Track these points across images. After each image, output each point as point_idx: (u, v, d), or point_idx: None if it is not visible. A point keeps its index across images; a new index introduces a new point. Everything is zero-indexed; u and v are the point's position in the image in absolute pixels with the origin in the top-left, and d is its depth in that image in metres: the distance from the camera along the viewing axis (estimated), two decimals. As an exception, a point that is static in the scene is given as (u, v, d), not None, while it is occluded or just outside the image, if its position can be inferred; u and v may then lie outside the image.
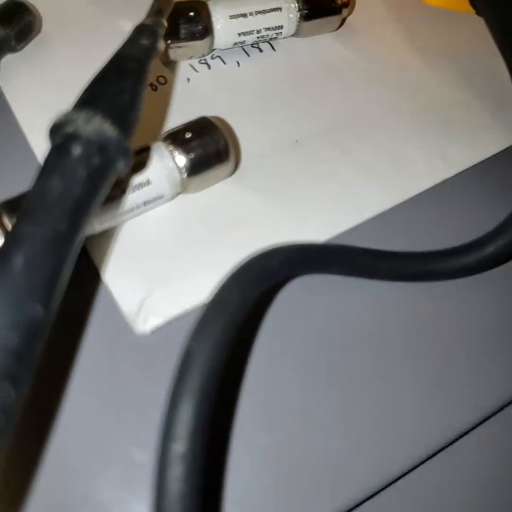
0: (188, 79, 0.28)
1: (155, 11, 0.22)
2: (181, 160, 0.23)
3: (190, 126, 0.23)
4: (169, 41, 0.26)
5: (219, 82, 0.29)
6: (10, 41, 0.25)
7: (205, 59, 0.29)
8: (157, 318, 0.23)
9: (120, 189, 0.21)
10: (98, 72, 0.19)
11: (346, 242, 0.24)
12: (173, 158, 0.22)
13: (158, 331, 0.23)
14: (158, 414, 0.18)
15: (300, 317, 0.24)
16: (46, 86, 0.27)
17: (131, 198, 0.22)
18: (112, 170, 0.18)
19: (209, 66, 0.29)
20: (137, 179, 0.22)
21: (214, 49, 0.29)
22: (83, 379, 0.22)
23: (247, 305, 0.19)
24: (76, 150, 0.16)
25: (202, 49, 0.28)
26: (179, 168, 0.23)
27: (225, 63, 0.29)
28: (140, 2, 0.25)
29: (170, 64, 0.28)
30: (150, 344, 0.23)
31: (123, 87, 0.18)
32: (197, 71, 0.29)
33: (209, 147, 0.23)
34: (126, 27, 0.23)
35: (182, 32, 0.27)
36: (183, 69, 0.29)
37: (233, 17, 0.28)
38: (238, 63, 0.30)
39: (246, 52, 0.30)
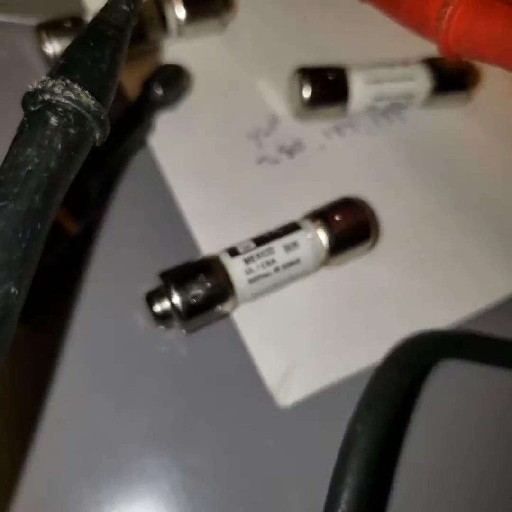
0: (321, 146, 0.30)
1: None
2: (328, 240, 0.24)
3: (336, 206, 0.25)
4: (307, 102, 0.28)
5: (352, 151, 0.30)
6: (168, 101, 0.27)
7: (336, 126, 0.31)
8: (299, 392, 0.24)
9: (273, 267, 0.24)
10: (76, 38, 0.18)
11: (474, 327, 0.26)
12: (321, 239, 0.24)
13: (299, 404, 0.24)
14: (295, 483, 0.20)
15: (447, 401, 0.25)
16: (192, 142, 0.29)
17: (281, 276, 0.24)
18: (88, 141, 0.17)
19: (341, 134, 0.31)
20: (288, 257, 0.24)
21: (346, 115, 0.30)
22: (222, 447, 0.23)
23: (404, 388, 0.21)
24: (53, 119, 0.16)
25: (338, 113, 0.30)
26: (325, 249, 0.24)
27: (356, 131, 0.31)
28: (279, 64, 0.29)
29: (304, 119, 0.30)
30: (291, 417, 0.23)
31: (102, 55, 0.17)
32: (330, 138, 0.30)
33: (354, 229, 0.24)
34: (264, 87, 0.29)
35: (321, 95, 0.29)
36: (316, 134, 0.30)
37: (369, 82, 0.29)
38: (368, 131, 0.31)
39: (376, 121, 0.31)
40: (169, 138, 0.29)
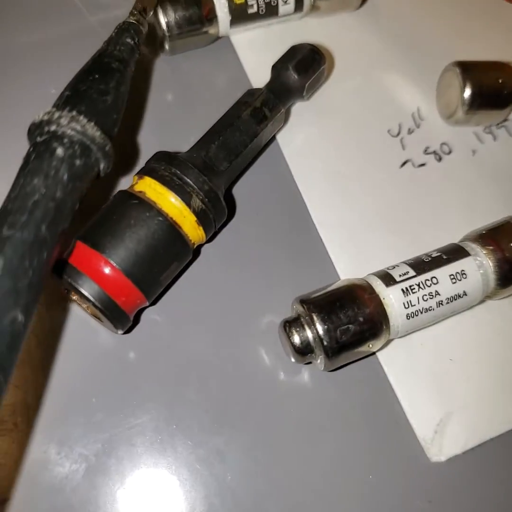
0: (473, 151, 0.26)
1: (139, 10, 0.21)
2: (499, 270, 0.20)
3: (508, 227, 0.21)
4: (466, 109, 0.25)
5: (508, 155, 0.26)
6: (303, 90, 0.24)
7: (490, 129, 0.27)
8: (455, 447, 0.21)
9: (436, 300, 0.19)
10: (81, 70, 0.18)
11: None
12: (491, 268, 0.20)
13: (455, 459, 0.21)
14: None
15: None
16: (326, 139, 0.25)
17: (442, 311, 0.20)
18: (93, 172, 0.17)
19: (494, 137, 0.27)
20: (454, 290, 0.20)
21: (506, 119, 0.27)
22: (362, 502, 0.21)
23: None
24: (59, 150, 0.16)
25: (497, 117, 0.26)
26: (495, 279, 0.20)
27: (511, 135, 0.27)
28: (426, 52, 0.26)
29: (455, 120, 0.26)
30: (444, 473, 0.21)
31: (107, 88, 0.18)
32: (482, 142, 0.27)
33: None
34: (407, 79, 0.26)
35: (483, 97, 0.25)
36: (467, 136, 0.27)
37: None
38: None
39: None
40: (299, 134, 0.25)
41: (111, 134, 0.18)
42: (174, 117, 0.25)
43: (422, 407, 0.21)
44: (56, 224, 0.15)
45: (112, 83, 0.18)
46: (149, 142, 0.24)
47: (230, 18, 0.24)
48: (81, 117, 0.17)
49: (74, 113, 0.17)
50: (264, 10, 0.25)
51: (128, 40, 0.19)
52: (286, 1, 0.25)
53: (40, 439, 0.19)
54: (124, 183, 0.23)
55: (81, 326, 0.21)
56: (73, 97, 0.17)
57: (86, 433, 0.20)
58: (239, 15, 0.24)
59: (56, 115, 0.16)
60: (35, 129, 0.17)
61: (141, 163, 0.22)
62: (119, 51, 0.19)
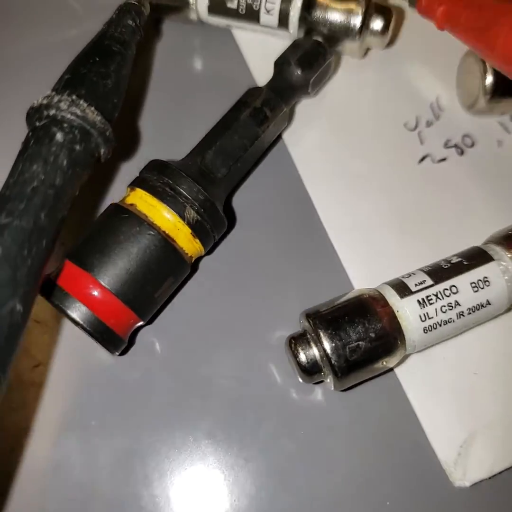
0: (499, 142, 0.24)
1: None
2: None
3: None
4: (489, 97, 0.23)
5: None
6: (308, 86, 0.23)
7: None
8: (480, 471, 0.19)
9: (456, 311, 0.18)
10: (81, 52, 0.18)
11: None
12: None
13: (480, 484, 0.20)
14: None
15: None
16: (335, 134, 0.24)
17: (464, 322, 0.18)
18: (93, 158, 0.17)
19: None
20: (476, 299, 0.18)
21: None
22: None
23: None
24: (58, 135, 0.15)
25: None
26: None
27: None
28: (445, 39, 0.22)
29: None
30: (469, 500, 0.20)
31: (107, 71, 0.17)
32: (509, 132, 0.25)
33: None
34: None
35: (506, 84, 0.23)
36: (491, 126, 0.25)
37: None
38: None
39: None
40: (307, 133, 0.24)
41: (112, 119, 0.17)
42: (174, 110, 0.23)
43: (444, 427, 0.19)
44: (55, 211, 0.15)
45: (113, 66, 0.17)
46: (148, 131, 0.23)
47: (207, 4, 0.23)
48: (81, 101, 0.16)
49: (74, 97, 0.16)
50: (244, 10, 0.23)
51: (129, 21, 0.19)
52: (268, 11, 0.23)
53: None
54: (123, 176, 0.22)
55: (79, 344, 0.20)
56: (73, 81, 0.17)
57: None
58: (217, 5, 0.23)
59: (56, 99, 0.16)
60: (34, 113, 0.16)
61: (141, 151, 0.22)
62: (120, 33, 0.18)
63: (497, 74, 0.22)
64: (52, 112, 0.15)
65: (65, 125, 0.15)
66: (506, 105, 0.24)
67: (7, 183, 0.14)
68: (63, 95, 0.16)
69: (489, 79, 0.22)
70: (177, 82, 0.24)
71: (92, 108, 0.16)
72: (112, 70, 0.17)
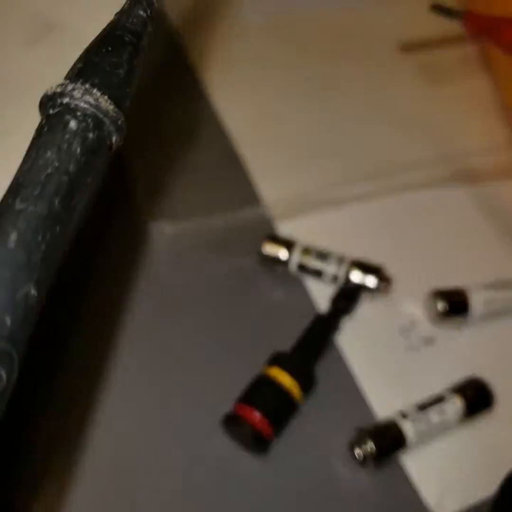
0: (452, 338, 0.35)
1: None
2: (464, 407, 0.30)
3: (468, 384, 0.31)
4: (441, 315, 0.34)
5: (471, 346, 0.34)
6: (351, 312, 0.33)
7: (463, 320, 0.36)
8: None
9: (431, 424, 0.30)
10: (93, 41, 0.18)
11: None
12: (459, 406, 0.30)
13: None
14: None
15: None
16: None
17: (437, 429, 0.30)
18: (105, 146, 0.17)
19: (461, 330, 0.35)
20: (439, 418, 0.30)
21: (469, 320, 0.35)
22: None
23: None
24: (72, 123, 0.16)
25: (461, 320, 0.35)
26: (463, 412, 0.30)
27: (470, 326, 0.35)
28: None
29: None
30: None
31: (120, 61, 0.18)
32: (455, 339, 0.35)
33: (480, 397, 0.31)
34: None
35: (451, 312, 0.35)
36: (447, 330, 0.35)
37: (487, 302, 0.35)
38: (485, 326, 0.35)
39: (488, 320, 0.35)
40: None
41: (124, 108, 0.17)
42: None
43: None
44: (70, 198, 0.15)
45: (125, 56, 0.18)
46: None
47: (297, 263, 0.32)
48: (95, 90, 0.16)
49: (87, 85, 0.16)
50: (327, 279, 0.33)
51: (141, 12, 0.19)
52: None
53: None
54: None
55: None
56: (86, 70, 0.17)
57: None
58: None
59: (69, 87, 0.16)
60: (47, 101, 0.16)
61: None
62: (131, 23, 0.18)
63: (446, 306, 0.34)
64: (66, 100, 0.16)
65: (79, 113, 0.16)
66: (452, 320, 0.37)
67: (21, 169, 0.15)
68: (76, 84, 0.16)
69: (442, 307, 0.35)
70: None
71: (105, 97, 0.16)
72: (124, 60, 0.18)
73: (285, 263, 0.32)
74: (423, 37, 0.41)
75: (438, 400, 0.29)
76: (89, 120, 0.16)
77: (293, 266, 0.32)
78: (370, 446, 0.27)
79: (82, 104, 0.16)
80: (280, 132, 0.35)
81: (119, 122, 0.17)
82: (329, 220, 0.34)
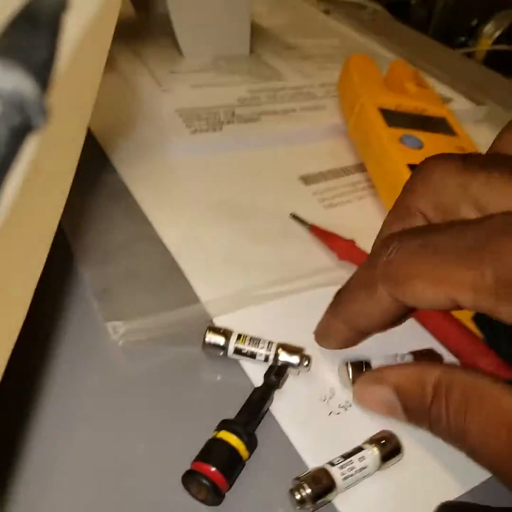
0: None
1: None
2: (380, 455, 0.32)
3: (381, 437, 0.33)
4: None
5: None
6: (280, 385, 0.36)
7: None
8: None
9: (354, 470, 0.31)
10: (9, 21, 0.16)
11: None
12: (377, 454, 0.32)
13: None
14: None
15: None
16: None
17: (360, 475, 0.31)
18: (30, 129, 0.16)
19: None
20: (360, 464, 0.31)
21: None
22: None
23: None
24: None
25: None
26: (380, 459, 0.32)
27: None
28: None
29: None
30: None
31: (41, 40, 0.17)
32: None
33: (393, 448, 0.33)
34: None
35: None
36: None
37: None
38: None
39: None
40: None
41: (47, 88, 0.16)
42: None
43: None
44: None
45: (46, 35, 0.17)
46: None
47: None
48: (16, 70, 0.15)
49: (7, 65, 0.15)
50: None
51: None
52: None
53: None
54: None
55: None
56: (4, 48, 0.15)
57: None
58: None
59: None
60: None
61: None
62: (47, 4, 0.17)
63: (356, 378, 0.35)
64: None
65: (3, 96, 0.15)
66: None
67: None
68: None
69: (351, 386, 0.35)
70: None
71: (30, 78, 0.15)
72: (44, 40, 0.17)
73: (224, 349, 0.36)
74: (321, 170, 0.54)
75: (358, 450, 0.32)
76: (14, 103, 0.15)
77: (230, 351, 0.36)
78: (306, 491, 0.29)
79: (4, 86, 0.15)
80: (210, 248, 0.43)
81: (43, 102, 0.16)
82: (256, 313, 0.39)
